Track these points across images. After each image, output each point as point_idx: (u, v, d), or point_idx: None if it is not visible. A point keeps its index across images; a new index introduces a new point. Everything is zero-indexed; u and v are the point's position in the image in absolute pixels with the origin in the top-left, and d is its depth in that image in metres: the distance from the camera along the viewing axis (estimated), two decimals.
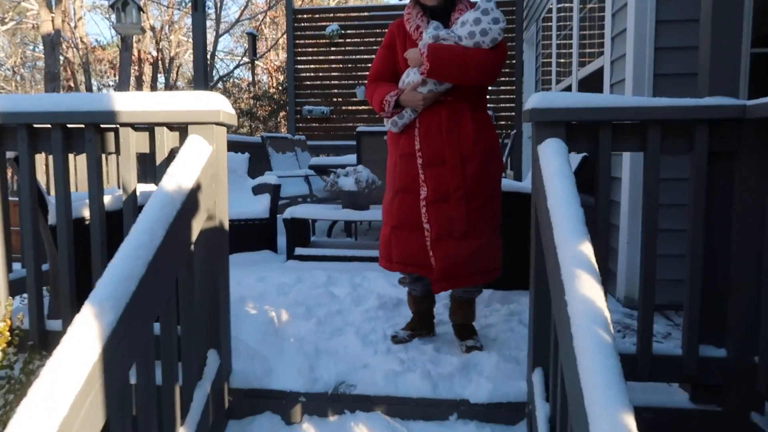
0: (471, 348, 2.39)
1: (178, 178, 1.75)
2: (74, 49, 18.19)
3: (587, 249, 1.43)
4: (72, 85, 18.56)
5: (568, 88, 4.90)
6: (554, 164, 1.70)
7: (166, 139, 2.01)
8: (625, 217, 3.14)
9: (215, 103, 1.95)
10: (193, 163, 1.84)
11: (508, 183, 3.39)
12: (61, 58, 16.18)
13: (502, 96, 8.01)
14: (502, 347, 2.45)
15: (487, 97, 2.53)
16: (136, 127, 2.03)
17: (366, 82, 2.61)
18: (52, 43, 13.83)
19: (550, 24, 6.01)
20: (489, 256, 2.38)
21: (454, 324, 2.56)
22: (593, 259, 1.41)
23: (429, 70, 2.24)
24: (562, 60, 5.42)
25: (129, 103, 1.97)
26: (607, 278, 3.41)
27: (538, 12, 6.66)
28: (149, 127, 2.03)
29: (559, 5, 5.54)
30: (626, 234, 3.12)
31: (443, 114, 2.33)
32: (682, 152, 1.88)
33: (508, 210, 3.20)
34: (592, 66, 4.06)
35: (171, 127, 2.02)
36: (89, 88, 19.20)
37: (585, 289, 1.32)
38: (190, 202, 1.77)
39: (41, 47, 16.15)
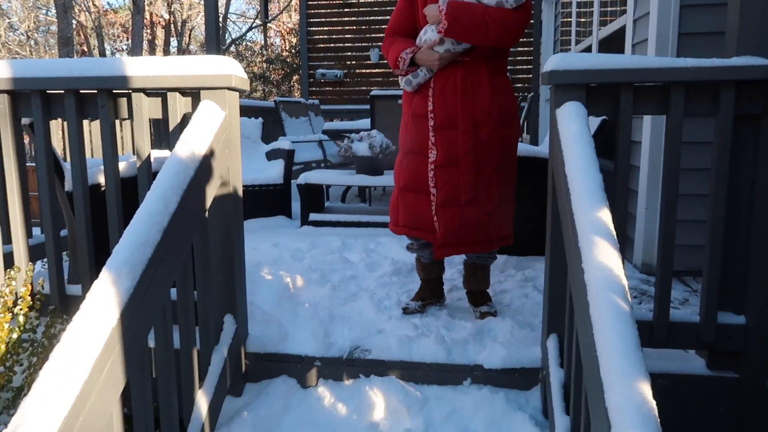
0: (485, 314, 2.38)
1: (191, 144, 1.74)
2: (86, 13, 18.08)
3: (605, 216, 1.40)
4: (85, 49, 18.52)
5: (588, 49, 4.77)
6: (573, 128, 1.66)
7: (178, 105, 2.00)
8: (644, 182, 3.08)
9: (227, 68, 1.92)
10: (206, 129, 1.82)
11: (524, 147, 3.34)
12: (74, 22, 16.10)
13: (518, 57, 7.85)
14: (517, 313, 2.45)
15: (508, 59, 2.45)
16: (148, 92, 2.01)
17: (380, 44, 2.53)
18: (64, 6, 13.73)
19: None
20: (497, 224, 2.33)
21: (468, 290, 2.55)
22: (611, 226, 1.38)
23: (447, 29, 2.15)
24: (582, 19, 5.26)
25: (141, 68, 1.95)
26: (624, 244, 3.38)
27: None
28: (162, 93, 2.02)
29: None
30: (645, 199, 3.07)
31: (459, 75, 2.26)
32: (707, 115, 1.83)
33: (523, 175, 3.16)
34: (614, 25, 3.93)
35: (183, 92, 2.00)
36: (102, 53, 19.13)
37: (603, 257, 1.30)
38: (204, 168, 1.77)
39: (54, 11, 16.05)
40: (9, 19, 22.78)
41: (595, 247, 1.33)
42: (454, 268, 2.94)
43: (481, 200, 2.27)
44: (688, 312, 2.42)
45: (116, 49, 22.25)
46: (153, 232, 1.51)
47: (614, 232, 1.37)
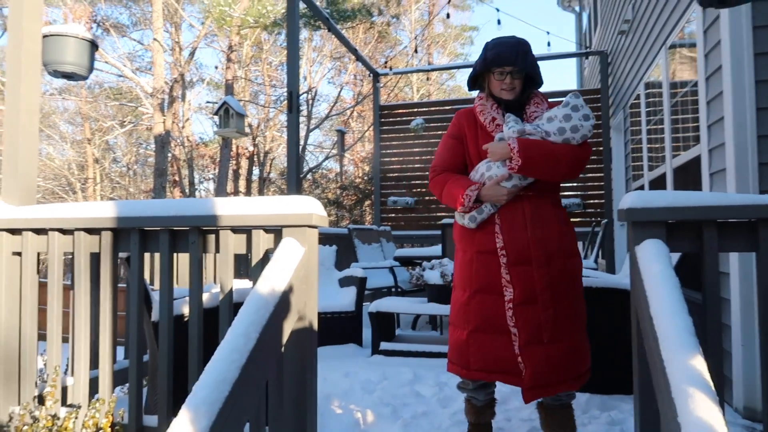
0: None
1: (272, 281, 1.80)
2: (181, 147, 19.94)
3: (700, 364, 1.31)
4: (176, 179, 20.18)
5: (662, 177, 4.73)
6: (655, 268, 1.61)
7: (261, 241, 2.11)
8: (737, 316, 2.88)
9: (308, 207, 2.03)
10: (286, 266, 1.90)
11: (603, 278, 3.25)
12: (169, 154, 17.79)
13: (589, 183, 7.84)
14: None
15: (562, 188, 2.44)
16: (235, 229, 2.15)
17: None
18: (162, 142, 15.27)
19: (638, 110, 5.93)
20: (579, 360, 2.21)
21: None
22: (707, 376, 1.28)
23: (521, 165, 2.15)
24: (653, 146, 5.28)
25: (230, 208, 2.10)
26: (721, 385, 3.10)
27: (625, 99, 6.61)
28: (246, 230, 2.14)
29: (647, 91, 5.47)
30: (740, 335, 2.85)
31: (526, 209, 2.23)
32: None
33: (605, 307, 3.04)
34: (688, 154, 3.91)
35: (267, 229, 2.12)
36: (192, 181, 20.80)
37: (701, 412, 1.19)
38: (283, 304, 1.82)
39: (152, 145, 17.86)
40: (114, 153, 25.47)
41: (690, 399, 1.23)
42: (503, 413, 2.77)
43: (563, 336, 2.17)
44: None
45: (204, 178, 24.17)
46: (232, 369, 1.54)
47: (711, 382, 1.27)
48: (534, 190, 2.25)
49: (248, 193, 20.92)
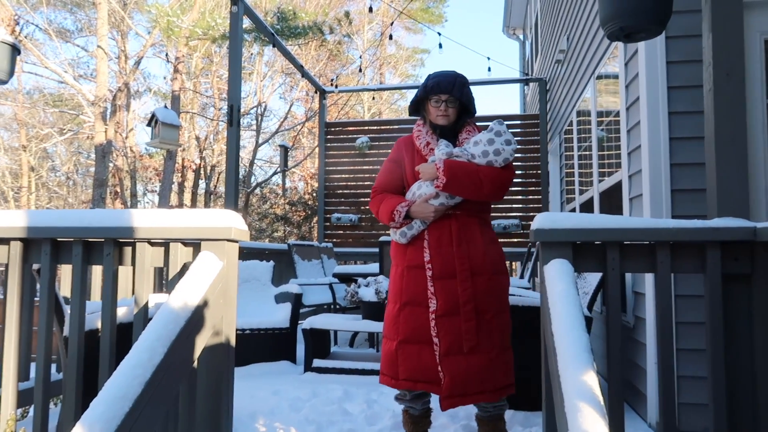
0: None
1: (185, 294, 1.77)
2: (123, 157, 19.36)
3: (591, 379, 1.37)
4: (118, 190, 19.55)
5: (591, 200, 4.92)
6: (559, 286, 1.68)
7: (179, 254, 2.07)
8: (652, 335, 3.01)
9: (227, 221, 2.01)
10: (201, 280, 1.87)
11: (531, 296, 3.34)
12: (111, 165, 17.23)
13: (529, 205, 8.08)
14: None
15: (491, 210, 2.58)
16: (152, 242, 2.10)
17: None
18: (104, 152, 14.80)
19: (571, 136, 6.16)
20: (500, 372, 2.30)
21: None
22: (597, 391, 1.34)
23: (445, 184, 2.29)
24: (583, 170, 5.49)
25: (146, 220, 2.05)
26: (637, 400, 3.22)
27: (561, 125, 6.86)
28: (165, 243, 2.10)
29: (579, 118, 5.70)
30: (654, 353, 2.98)
31: (453, 227, 2.36)
32: (695, 272, 1.84)
33: (530, 325, 3.12)
34: (612, 179, 4.09)
35: (185, 242, 2.08)
36: (134, 194, 20.18)
37: (587, 425, 1.24)
38: (195, 318, 1.79)
39: (94, 155, 17.27)
40: (52, 161, 24.49)
41: (580, 414, 1.28)
42: (436, 421, 2.81)
43: (484, 348, 2.27)
44: None
45: (148, 189, 23.51)
46: (134, 384, 1.50)
47: (600, 397, 1.33)
48: (462, 209, 2.39)
49: (194, 205, 20.45)
